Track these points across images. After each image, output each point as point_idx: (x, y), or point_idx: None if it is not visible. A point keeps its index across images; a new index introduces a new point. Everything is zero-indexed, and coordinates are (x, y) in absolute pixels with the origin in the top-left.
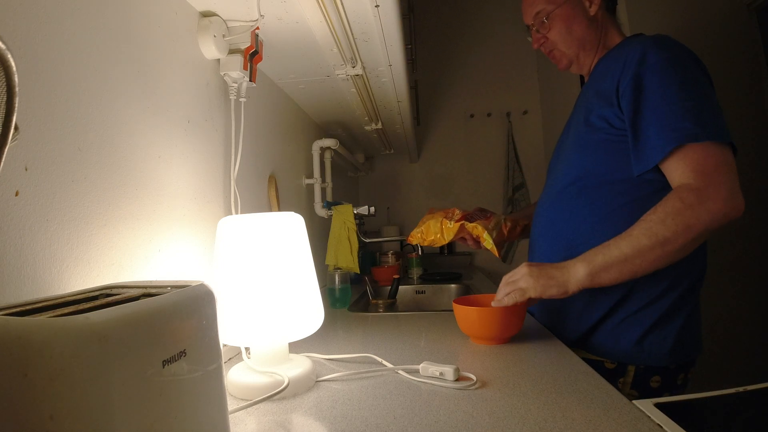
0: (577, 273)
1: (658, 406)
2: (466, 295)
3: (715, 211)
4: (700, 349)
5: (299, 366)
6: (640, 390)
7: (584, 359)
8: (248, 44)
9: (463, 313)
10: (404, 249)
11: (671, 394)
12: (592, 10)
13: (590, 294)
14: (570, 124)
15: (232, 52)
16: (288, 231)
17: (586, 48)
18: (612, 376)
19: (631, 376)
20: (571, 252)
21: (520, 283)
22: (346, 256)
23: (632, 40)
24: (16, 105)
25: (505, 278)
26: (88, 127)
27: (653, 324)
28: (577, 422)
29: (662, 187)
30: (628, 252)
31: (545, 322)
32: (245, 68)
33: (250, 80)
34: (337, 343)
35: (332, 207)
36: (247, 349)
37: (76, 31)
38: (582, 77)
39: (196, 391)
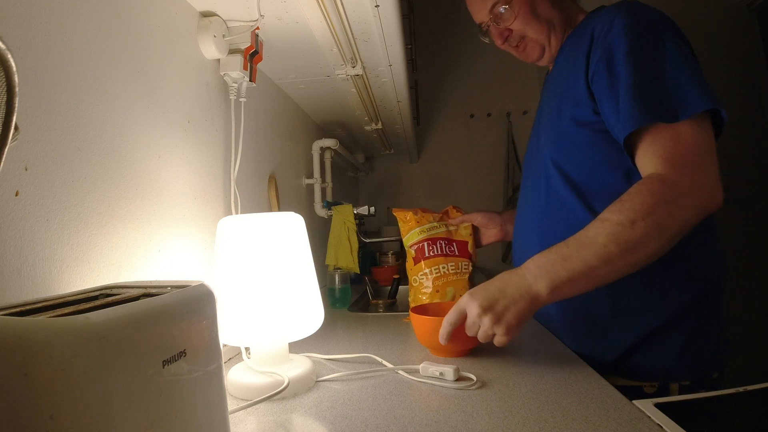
0: (539, 296)
1: (658, 406)
2: (423, 304)
3: (692, 206)
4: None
5: (299, 366)
6: None
7: (618, 386)
8: (248, 44)
9: (420, 324)
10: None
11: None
12: None
13: (618, 317)
14: (541, 114)
15: (232, 52)
16: (288, 231)
17: (556, 29)
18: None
19: (676, 394)
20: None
21: (476, 328)
22: (346, 256)
23: (597, 12)
24: (16, 105)
25: (450, 319)
26: (88, 127)
27: (688, 338)
28: (577, 422)
29: None
30: (594, 263)
31: (571, 345)
32: (245, 68)
33: (250, 80)
34: (337, 343)
35: (332, 207)
36: (247, 349)
37: (76, 31)
38: None
39: (196, 391)
